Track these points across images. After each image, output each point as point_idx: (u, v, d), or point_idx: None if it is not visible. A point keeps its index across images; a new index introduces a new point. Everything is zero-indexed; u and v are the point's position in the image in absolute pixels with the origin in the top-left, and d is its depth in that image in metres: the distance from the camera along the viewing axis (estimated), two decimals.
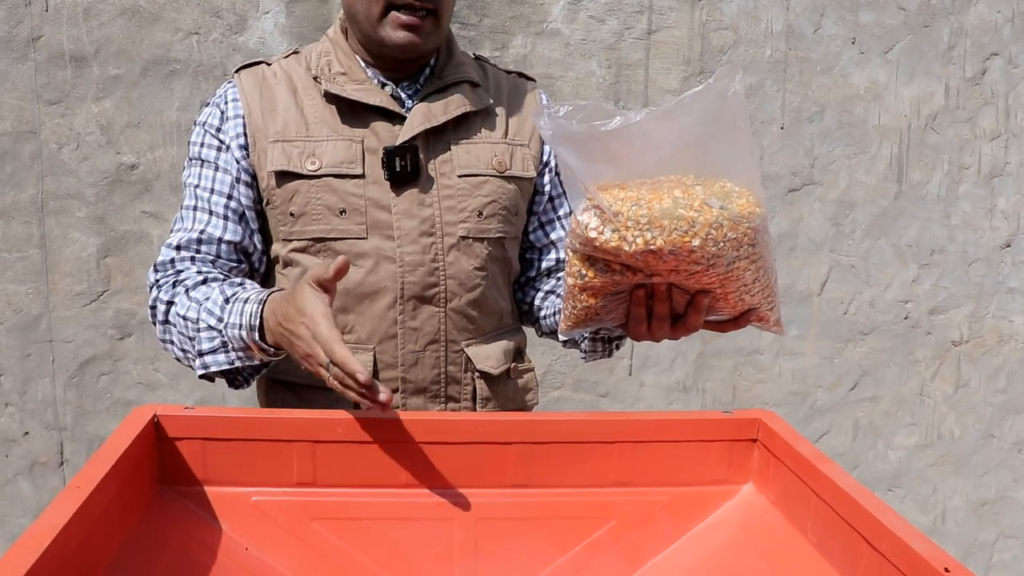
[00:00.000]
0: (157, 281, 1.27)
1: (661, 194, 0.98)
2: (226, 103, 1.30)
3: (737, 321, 1.12)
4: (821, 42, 2.58)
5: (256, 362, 1.20)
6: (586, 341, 1.33)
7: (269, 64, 1.34)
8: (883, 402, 2.82)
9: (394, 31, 1.24)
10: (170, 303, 1.24)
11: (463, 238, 1.30)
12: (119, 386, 2.41)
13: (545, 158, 1.39)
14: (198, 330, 1.19)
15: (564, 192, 1.41)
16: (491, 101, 1.35)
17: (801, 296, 2.70)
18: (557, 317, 1.36)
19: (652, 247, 0.97)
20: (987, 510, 2.93)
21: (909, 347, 2.80)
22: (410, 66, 1.32)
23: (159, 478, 1.07)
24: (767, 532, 1.10)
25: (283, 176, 1.26)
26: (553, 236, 1.42)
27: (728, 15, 2.51)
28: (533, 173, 1.37)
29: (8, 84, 2.26)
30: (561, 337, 1.24)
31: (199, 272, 1.26)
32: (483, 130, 1.33)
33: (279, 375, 1.34)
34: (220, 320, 1.17)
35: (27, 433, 2.41)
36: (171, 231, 1.31)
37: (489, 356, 1.35)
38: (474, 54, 1.44)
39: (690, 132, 0.98)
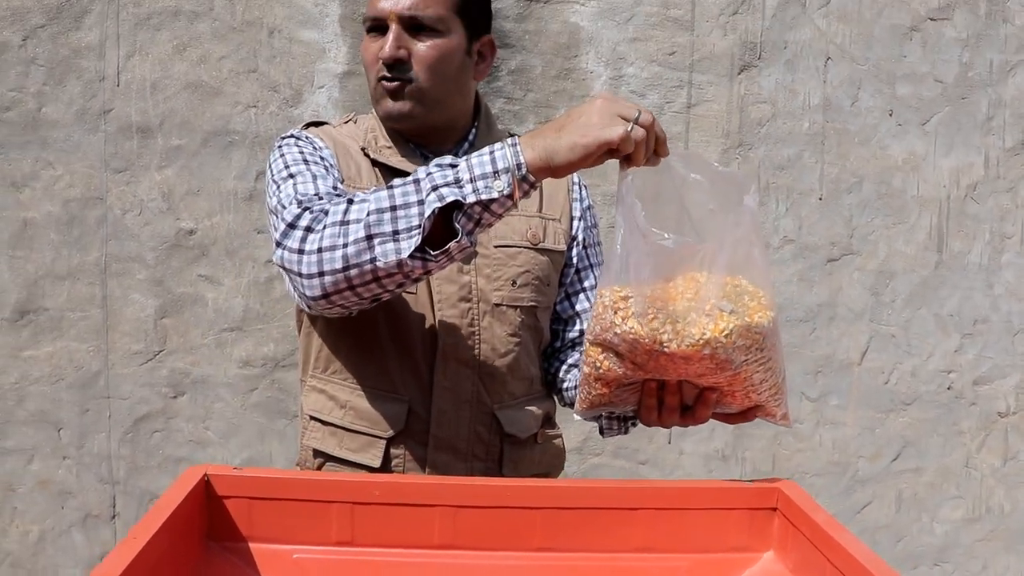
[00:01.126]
0: (306, 210, 1.16)
1: (675, 294, 1.03)
2: (308, 138, 1.33)
3: (744, 415, 1.17)
4: (859, 114, 2.62)
5: (491, 200, 1.08)
6: (603, 418, 1.39)
7: (333, 126, 1.43)
8: (927, 473, 2.79)
9: (382, 101, 1.33)
10: (351, 201, 1.13)
11: (497, 305, 1.35)
12: (171, 443, 2.50)
13: (574, 232, 1.46)
14: (428, 175, 1.10)
15: (591, 265, 1.48)
16: None
17: (841, 365, 2.70)
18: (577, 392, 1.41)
19: (665, 349, 1.02)
20: None
21: (953, 418, 2.77)
22: (447, 141, 1.40)
23: (207, 534, 1.13)
24: None
25: None
26: (578, 307, 1.48)
27: (766, 89, 2.58)
28: (564, 247, 1.43)
29: (80, 154, 2.41)
30: (576, 416, 1.28)
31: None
32: (519, 203, 1.40)
33: (318, 414, 1.39)
34: (454, 165, 1.09)
35: (82, 486, 2.50)
36: (280, 197, 1.21)
37: (518, 421, 1.39)
38: (509, 132, 1.51)
39: (727, 236, 1.04)
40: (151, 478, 2.51)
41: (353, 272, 1.11)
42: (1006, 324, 2.75)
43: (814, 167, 2.62)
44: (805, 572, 1.10)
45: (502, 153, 1.08)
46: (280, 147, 1.33)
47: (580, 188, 1.51)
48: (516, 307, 1.37)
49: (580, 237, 1.46)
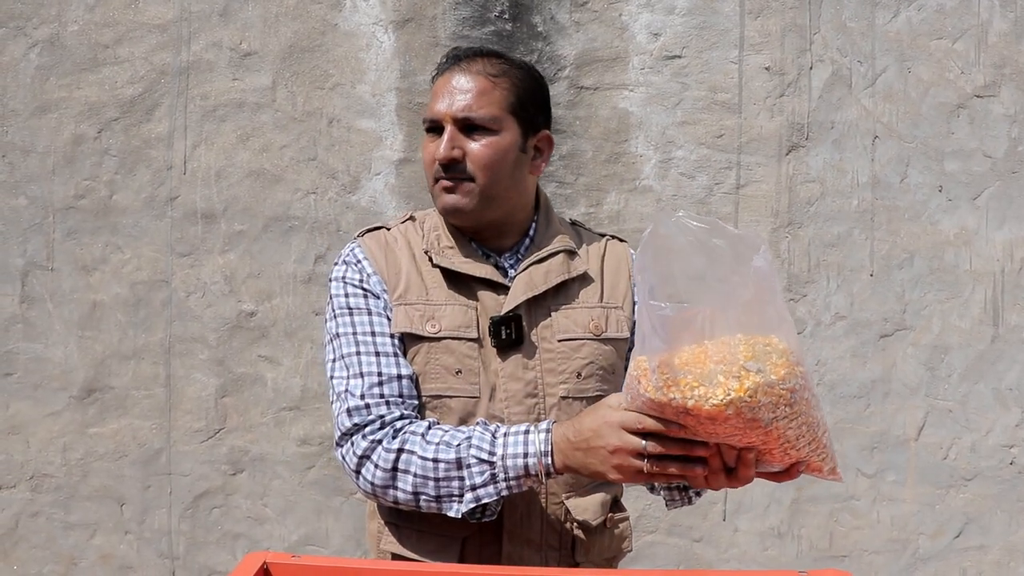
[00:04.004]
0: (359, 427, 1.30)
1: (705, 359, 1.06)
2: (358, 261, 1.40)
3: (789, 472, 1.16)
4: (908, 191, 2.63)
5: (523, 489, 1.28)
6: (664, 490, 1.39)
7: (389, 229, 1.46)
8: (992, 551, 2.72)
9: (440, 198, 1.38)
10: (400, 451, 1.27)
11: (563, 398, 1.36)
12: (230, 519, 2.55)
13: (635, 318, 1.47)
14: (468, 466, 1.24)
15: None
16: (587, 268, 1.46)
17: (898, 441, 2.67)
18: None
19: (691, 412, 1.04)
20: None
21: (1017, 494, 2.71)
22: (508, 237, 1.44)
23: None
24: None
25: (406, 337, 1.36)
26: None
27: (814, 168, 2.61)
28: (627, 334, 1.44)
29: (147, 239, 2.51)
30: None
31: (403, 416, 1.32)
32: (580, 295, 1.43)
33: (393, 519, 1.41)
34: (492, 454, 1.23)
35: (142, 560, 2.55)
36: (334, 377, 1.33)
37: (587, 508, 1.39)
38: (570, 220, 1.54)
39: (738, 297, 1.07)
40: (210, 554, 2.55)
41: (402, 504, 1.30)
42: None
43: (864, 244, 2.63)
44: None
45: (534, 462, 1.22)
46: (331, 288, 1.40)
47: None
48: (582, 399, 1.37)
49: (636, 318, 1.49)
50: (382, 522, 1.42)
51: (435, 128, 1.38)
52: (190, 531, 2.55)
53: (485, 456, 1.22)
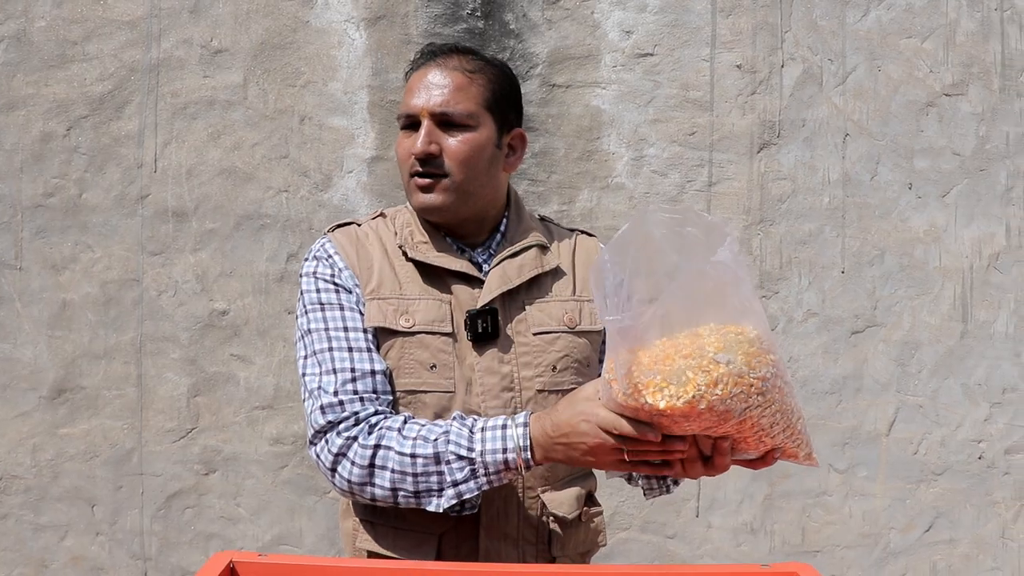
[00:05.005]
0: (333, 424, 1.29)
1: (674, 353, 1.05)
2: (329, 256, 1.39)
3: (765, 459, 1.17)
4: (878, 188, 2.66)
5: (504, 482, 1.27)
6: (643, 479, 1.40)
7: (359, 225, 1.46)
8: (962, 545, 2.75)
9: (415, 194, 1.37)
10: (377, 447, 1.26)
11: (539, 391, 1.37)
12: (202, 519, 2.53)
13: None
14: (447, 462, 1.24)
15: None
16: (559, 262, 1.46)
17: (869, 437, 2.69)
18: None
19: (665, 412, 1.05)
20: None
21: (986, 488, 2.75)
22: (480, 232, 1.44)
23: None
24: None
25: (379, 332, 1.36)
26: None
27: (786, 165, 2.62)
28: (600, 326, 1.45)
29: (117, 237, 2.49)
30: (606, 477, 1.33)
31: (377, 412, 1.31)
32: (553, 289, 1.43)
33: (368, 516, 1.41)
34: (471, 449, 1.23)
35: (114, 562, 2.53)
36: (306, 374, 1.33)
37: (563, 502, 1.40)
38: (539, 216, 1.55)
39: (704, 288, 1.07)
40: (182, 554, 2.54)
41: (379, 501, 1.30)
42: None
43: (835, 241, 2.65)
44: None
45: (513, 457, 1.22)
46: (302, 283, 1.39)
47: None
48: (558, 391, 1.38)
49: None
50: (357, 520, 1.41)
51: (411, 124, 1.38)
52: (162, 532, 2.54)
53: (464, 452, 1.23)
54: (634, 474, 1.38)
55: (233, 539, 2.53)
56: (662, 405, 1.04)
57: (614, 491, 2.59)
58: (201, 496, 2.54)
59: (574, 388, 1.38)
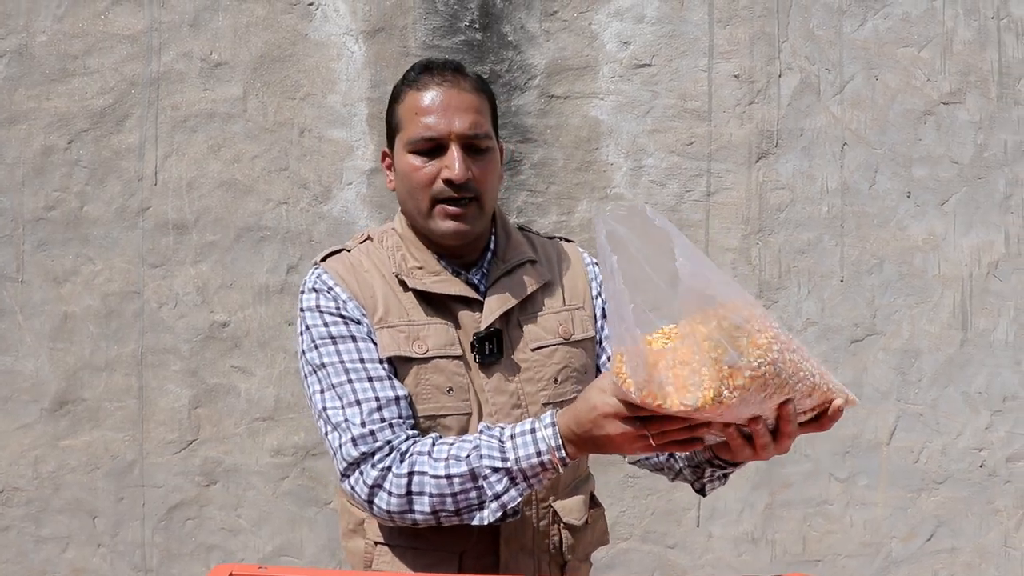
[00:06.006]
0: (367, 456, 1.27)
1: (674, 362, 1.03)
2: (329, 289, 1.35)
3: (820, 423, 1.14)
4: (876, 197, 2.66)
5: (544, 483, 1.27)
6: (687, 471, 1.37)
7: (349, 251, 1.43)
8: (963, 553, 2.74)
9: (442, 222, 1.35)
10: (411, 474, 1.25)
11: (545, 404, 1.38)
12: (204, 531, 2.54)
13: (597, 313, 1.49)
14: (484, 477, 1.23)
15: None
16: (550, 276, 1.47)
17: (869, 446, 2.69)
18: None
19: (679, 415, 1.03)
20: None
21: (987, 496, 2.74)
22: (472, 251, 1.44)
23: None
24: None
25: (395, 361, 1.35)
26: None
27: (784, 175, 2.63)
28: (592, 332, 1.47)
29: (118, 250, 2.50)
30: (627, 462, 1.33)
31: (409, 437, 1.29)
32: (546, 302, 1.44)
33: (383, 538, 1.40)
34: (505, 459, 1.22)
35: (116, 574, 2.53)
36: (327, 408, 1.30)
37: (572, 509, 1.43)
38: (517, 225, 1.54)
39: (691, 283, 1.05)
40: (183, 566, 2.54)
41: (421, 524, 1.28)
42: None
43: (834, 250, 2.65)
44: None
45: (548, 459, 1.22)
46: (305, 318, 1.36)
47: (592, 267, 1.53)
48: (561, 402, 1.38)
49: (599, 313, 1.49)
50: (370, 542, 1.41)
51: (432, 148, 1.34)
52: (164, 543, 2.54)
53: (499, 464, 1.22)
54: (680, 469, 1.37)
55: (234, 550, 2.53)
56: (677, 410, 1.03)
57: (614, 500, 2.59)
58: (202, 508, 2.54)
59: (575, 396, 1.38)
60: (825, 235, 2.65)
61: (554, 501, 1.42)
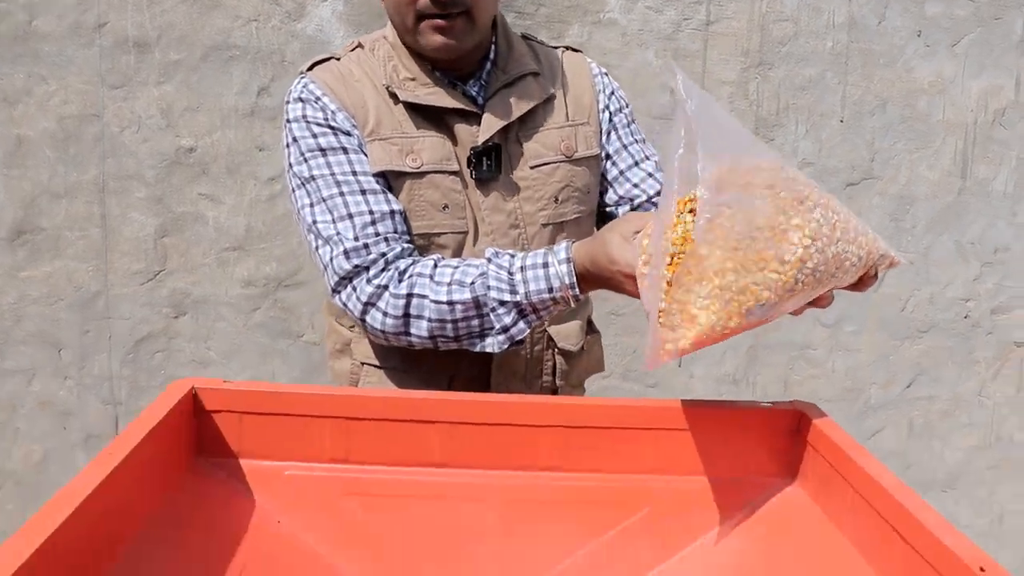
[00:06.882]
0: (360, 269, 1.21)
1: (703, 278, 0.92)
2: (317, 98, 1.27)
3: (857, 286, 1.06)
4: (885, 34, 2.51)
5: (554, 314, 1.23)
6: None
7: (339, 59, 1.33)
8: (940, 402, 2.75)
9: (430, 37, 1.24)
10: (410, 295, 1.20)
11: (544, 225, 1.33)
12: (173, 363, 2.47)
13: (604, 127, 1.41)
14: (492, 309, 1.18)
15: (635, 141, 1.43)
16: (552, 89, 1.36)
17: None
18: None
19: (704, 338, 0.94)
20: None
21: (969, 347, 2.72)
22: (469, 62, 1.32)
23: (196, 450, 1.09)
24: (803, 526, 1.07)
25: (387, 175, 1.26)
26: (634, 181, 1.42)
27: (789, 6, 2.46)
28: (597, 150, 1.39)
29: (75, 69, 2.33)
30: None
31: (404, 251, 1.23)
32: (547, 118, 1.35)
33: (370, 360, 1.36)
34: (514, 292, 1.17)
35: (84, 407, 2.48)
36: (317, 222, 1.23)
37: (569, 335, 1.39)
38: (521, 33, 1.43)
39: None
40: (153, 398, 2.47)
41: (416, 347, 1.25)
42: None
43: (836, 88, 2.52)
44: (826, 497, 1.06)
45: (560, 295, 1.16)
46: (292, 129, 1.27)
47: (601, 78, 1.44)
48: (561, 223, 1.35)
49: (607, 127, 1.41)
50: (357, 363, 1.37)
51: None
52: (132, 376, 2.48)
53: (507, 297, 1.16)
54: None
55: None
56: (690, 341, 0.93)
57: None
58: (171, 340, 2.46)
59: (578, 218, 1.36)
60: (828, 72, 2.51)
61: (549, 326, 1.38)
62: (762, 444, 1.14)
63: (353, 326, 1.38)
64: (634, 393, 2.60)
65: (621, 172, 1.42)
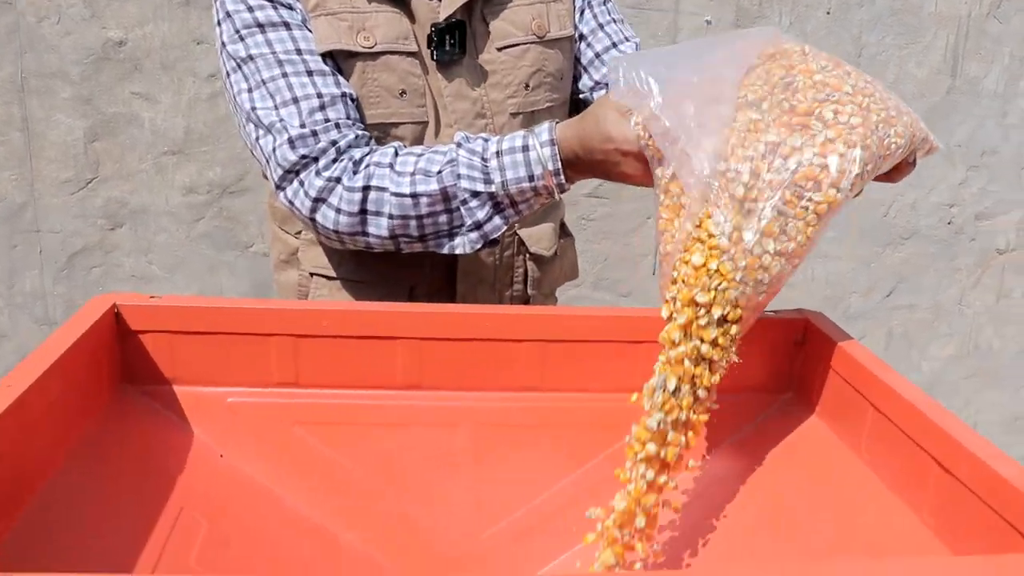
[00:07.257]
0: (308, 159, 1.06)
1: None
2: None
3: (890, 176, 0.98)
4: None
5: (535, 208, 1.07)
6: None
7: None
8: (919, 310, 2.68)
9: None
10: (367, 188, 1.05)
11: (513, 115, 1.20)
12: (111, 279, 2.30)
13: (577, 4, 1.27)
14: (463, 201, 1.03)
15: (613, 20, 1.30)
16: None
17: None
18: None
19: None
20: (1021, 425, 2.81)
21: (951, 254, 2.64)
22: None
23: (121, 377, 0.94)
24: (812, 447, 0.97)
25: (335, 55, 1.11)
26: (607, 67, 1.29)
27: None
28: (571, 30, 1.26)
29: None
30: None
31: (358, 138, 1.07)
32: None
33: (320, 270, 1.23)
34: (489, 182, 1.02)
35: (16, 327, 2.31)
36: (256, 109, 1.08)
37: (541, 238, 1.29)
38: None
39: None
40: None
41: (375, 248, 1.10)
42: (1015, 157, 2.57)
43: None
44: (838, 416, 0.95)
45: (542, 184, 1.01)
46: (224, 3, 1.09)
47: None
48: (532, 112, 1.21)
49: (580, 4, 1.28)
50: (306, 273, 1.24)
51: None
52: (67, 293, 2.30)
53: (480, 188, 1.01)
54: None
55: None
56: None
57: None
58: (108, 254, 2.28)
59: (549, 106, 1.22)
60: None
61: (519, 229, 1.25)
62: (763, 356, 1.04)
63: (300, 232, 1.23)
64: (606, 302, 2.49)
65: (597, 55, 1.29)
